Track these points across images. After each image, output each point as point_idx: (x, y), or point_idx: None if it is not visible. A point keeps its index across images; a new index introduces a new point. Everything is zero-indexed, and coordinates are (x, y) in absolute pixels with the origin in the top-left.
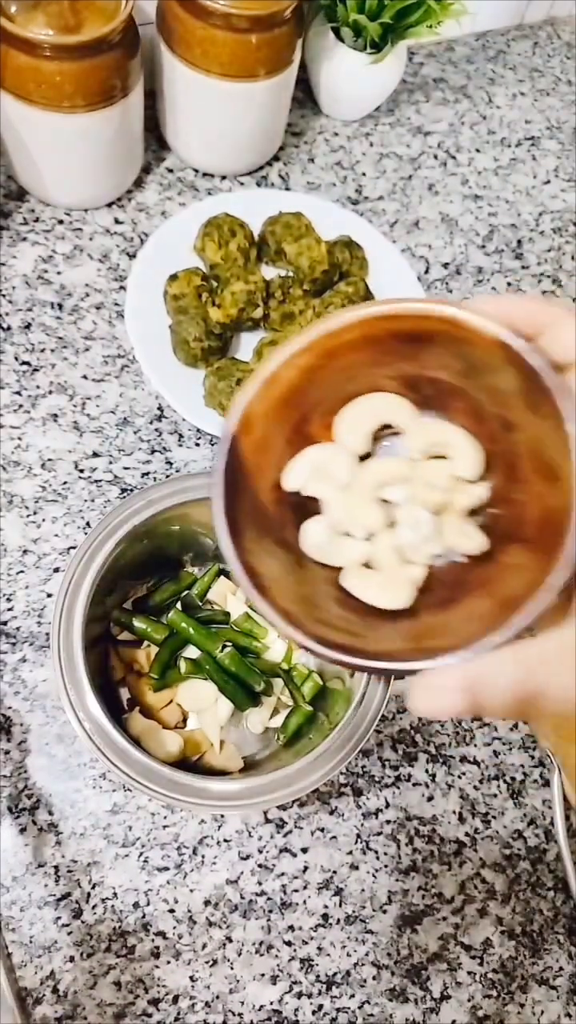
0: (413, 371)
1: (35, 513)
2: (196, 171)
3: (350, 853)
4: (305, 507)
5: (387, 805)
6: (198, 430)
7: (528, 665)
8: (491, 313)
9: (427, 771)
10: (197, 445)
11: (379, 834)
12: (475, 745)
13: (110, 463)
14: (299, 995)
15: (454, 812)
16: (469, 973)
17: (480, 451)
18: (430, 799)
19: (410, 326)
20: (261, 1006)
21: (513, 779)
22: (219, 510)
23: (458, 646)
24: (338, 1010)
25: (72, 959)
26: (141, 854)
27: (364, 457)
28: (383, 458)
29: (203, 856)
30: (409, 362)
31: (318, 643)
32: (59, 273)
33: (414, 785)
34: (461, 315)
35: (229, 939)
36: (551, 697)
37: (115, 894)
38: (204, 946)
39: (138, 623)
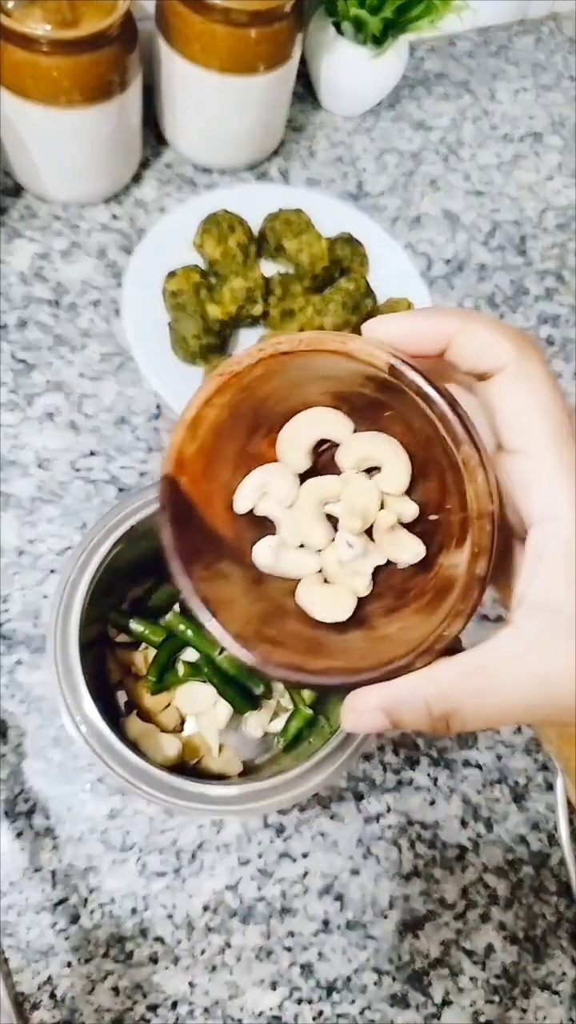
0: (338, 387)
1: (31, 513)
2: (195, 167)
3: (351, 858)
4: (264, 523)
5: (388, 809)
6: None
7: (440, 687)
8: (389, 334)
9: (429, 775)
10: None
11: (380, 839)
12: (478, 749)
13: (107, 462)
14: (299, 1001)
15: (456, 817)
16: (471, 979)
17: (405, 465)
18: (432, 803)
19: (310, 358)
20: (261, 1012)
21: (516, 783)
22: (169, 545)
23: (392, 659)
24: (339, 1016)
25: (70, 964)
26: (139, 859)
27: (314, 472)
28: (324, 475)
29: (202, 861)
30: (330, 380)
31: (263, 662)
32: (56, 270)
33: (416, 789)
34: (349, 345)
35: (228, 945)
36: (468, 716)
37: (113, 899)
38: (203, 952)
39: (135, 625)
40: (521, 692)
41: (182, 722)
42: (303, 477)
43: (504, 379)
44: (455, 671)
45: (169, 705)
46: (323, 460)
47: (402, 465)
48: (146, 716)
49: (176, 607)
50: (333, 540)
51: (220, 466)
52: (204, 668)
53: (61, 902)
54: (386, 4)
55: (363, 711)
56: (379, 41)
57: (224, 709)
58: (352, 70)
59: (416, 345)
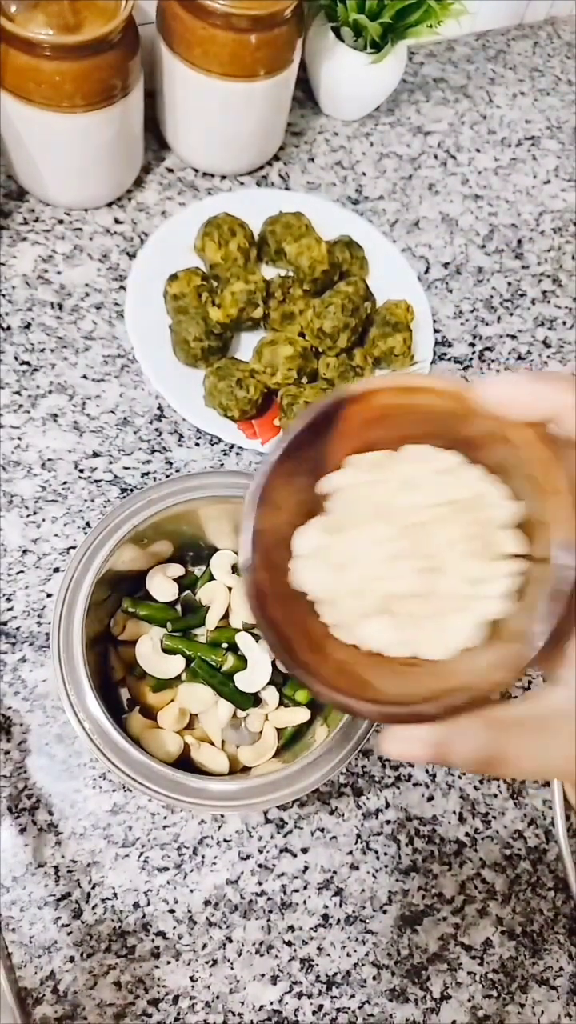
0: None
1: (35, 513)
2: (196, 171)
3: (350, 853)
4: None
5: (387, 805)
6: (198, 430)
7: (494, 733)
8: (500, 396)
9: (427, 771)
10: (197, 445)
11: (379, 834)
12: None
13: (110, 463)
14: (299, 995)
15: (454, 812)
16: (469, 973)
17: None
18: (430, 799)
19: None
20: (261, 1006)
21: (513, 779)
22: (270, 639)
23: (451, 694)
24: (338, 1010)
25: (72, 959)
26: (141, 854)
27: None
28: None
29: (203, 856)
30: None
31: (336, 692)
32: (59, 273)
33: (414, 785)
34: (469, 397)
35: (229, 939)
36: (512, 766)
37: (115, 894)
38: (204, 946)
39: (145, 611)
40: (569, 748)
41: (184, 719)
42: None
43: None
44: (506, 721)
45: (171, 702)
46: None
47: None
48: (148, 713)
49: (178, 607)
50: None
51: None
52: (200, 672)
53: (64, 897)
54: (385, 9)
55: (410, 740)
56: (378, 46)
57: (225, 707)
58: (351, 75)
59: (520, 412)
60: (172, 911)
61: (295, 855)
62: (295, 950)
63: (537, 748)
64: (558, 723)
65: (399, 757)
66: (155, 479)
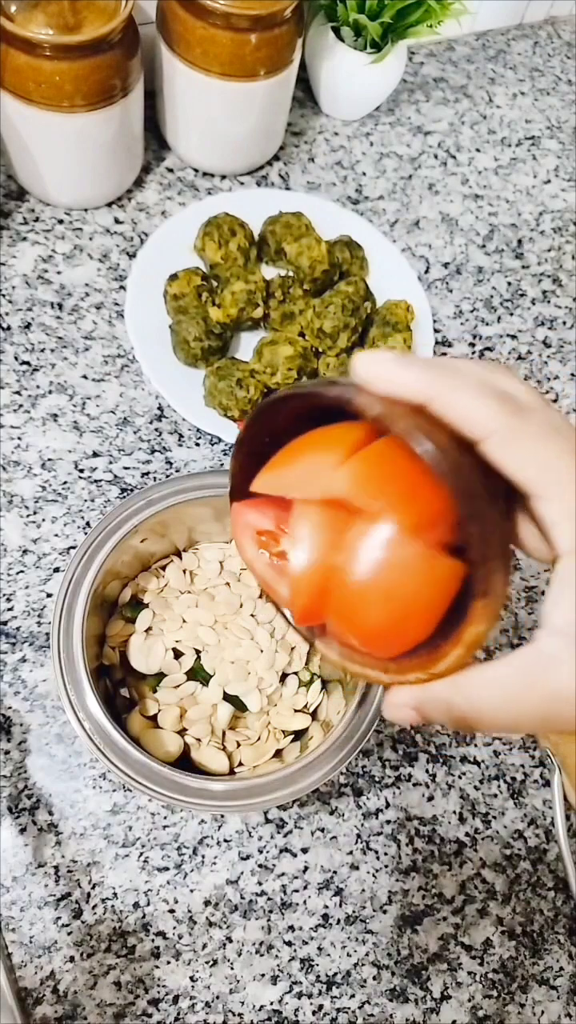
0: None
1: (35, 513)
2: (196, 171)
3: (350, 853)
4: None
5: (387, 805)
6: (198, 430)
7: (463, 695)
8: (371, 375)
9: (427, 771)
10: (197, 445)
11: (379, 834)
12: (475, 745)
13: (110, 463)
14: (299, 995)
15: (454, 812)
16: (469, 973)
17: None
18: (430, 799)
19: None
20: (261, 1006)
21: (513, 779)
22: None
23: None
24: (338, 1010)
25: (72, 959)
26: (141, 854)
27: None
28: None
29: (203, 856)
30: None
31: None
32: (59, 273)
33: (414, 785)
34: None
35: (229, 939)
36: (485, 721)
37: (115, 894)
38: (204, 946)
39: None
40: (535, 705)
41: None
42: None
43: (492, 447)
44: (477, 682)
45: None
46: None
47: None
48: (148, 713)
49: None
50: None
51: None
52: (202, 675)
53: (64, 897)
54: (385, 9)
55: (399, 706)
56: (378, 46)
57: (225, 707)
58: (351, 75)
59: (397, 395)
60: (172, 911)
61: (295, 855)
62: (295, 950)
63: (502, 705)
64: (521, 680)
65: (392, 718)
66: (155, 479)
